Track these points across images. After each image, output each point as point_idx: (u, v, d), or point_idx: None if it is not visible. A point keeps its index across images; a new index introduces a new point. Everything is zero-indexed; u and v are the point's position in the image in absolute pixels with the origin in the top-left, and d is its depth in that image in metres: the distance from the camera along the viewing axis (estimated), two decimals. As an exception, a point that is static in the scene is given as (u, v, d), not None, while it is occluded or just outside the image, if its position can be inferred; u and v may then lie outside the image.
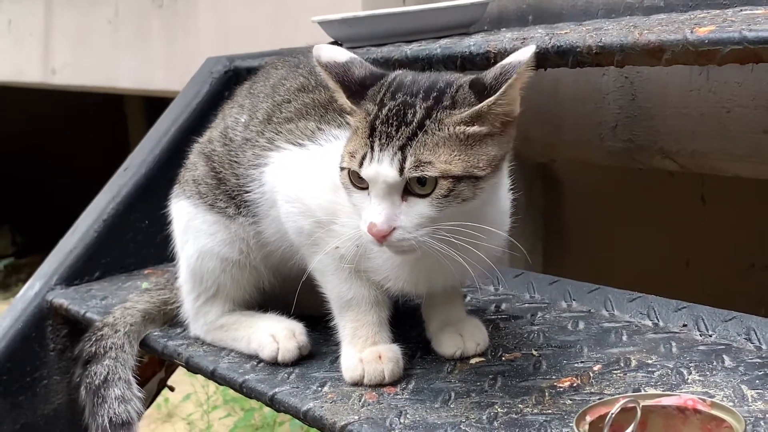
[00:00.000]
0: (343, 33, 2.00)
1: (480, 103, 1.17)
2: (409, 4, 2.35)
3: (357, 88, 1.25)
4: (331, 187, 1.31)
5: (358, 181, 1.20)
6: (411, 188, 1.17)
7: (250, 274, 1.52)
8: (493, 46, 1.59)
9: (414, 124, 1.17)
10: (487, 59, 1.60)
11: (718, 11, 1.56)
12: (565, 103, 2.05)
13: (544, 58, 1.51)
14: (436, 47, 1.71)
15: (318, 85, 1.45)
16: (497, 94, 1.16)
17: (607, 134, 1.98)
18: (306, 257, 1.40)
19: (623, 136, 1.95)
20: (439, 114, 1.18)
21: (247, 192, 1.46)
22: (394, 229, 1.16)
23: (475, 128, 1.18)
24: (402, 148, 1.16)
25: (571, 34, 1.51)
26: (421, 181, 1.16)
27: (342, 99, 1.25)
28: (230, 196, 1.49)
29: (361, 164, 1.18)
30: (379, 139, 1.17)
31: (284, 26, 2.98)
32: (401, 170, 1.15)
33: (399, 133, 1.17)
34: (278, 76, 1.54)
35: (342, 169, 1.22)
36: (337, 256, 1.33)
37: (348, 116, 1.25)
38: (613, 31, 1.45)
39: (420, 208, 1.17)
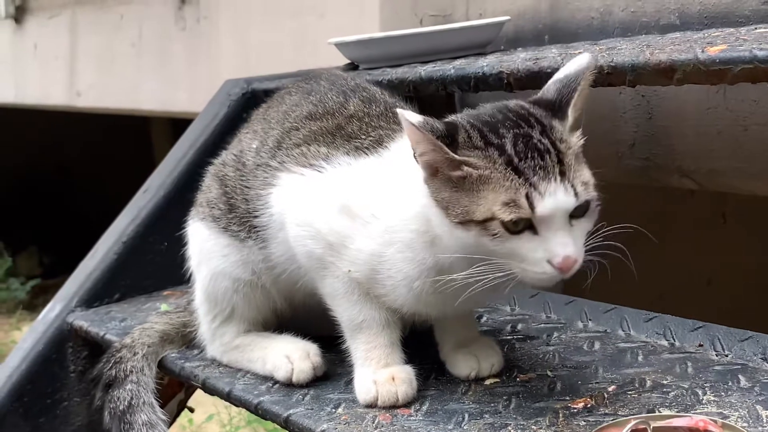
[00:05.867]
0: (359, 54, 2.01)
1: (566, 114, 1.20)
2: (426, 25, 2.36)
3: (449, 141, 1.17)
4: (343, 211, 1.32)
5: (512, 227, 1.15)
6: (573, 211, 1.16)
7: (262, 294, 1.52)
8: (507, 67, 1.59)
9: (552, 149, 1.16)
10: (500, 80, 1.60)
11: (732, 29, 1.56)
12: (582, 122, 2.04)
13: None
14: (450, 68, 1.71)
15: (325, 113, 1.45)
16: (576, 95, 1.20)
17: (625, 153, 1.97)
18: (315, 280, 1.40)
19: (641, 154, 1.95)
20: (555, 134, 1.18)
21: (255, 217, 1.46)
22: None
23: (578, 135, 1.20)
24: (562, 175, 1.15)
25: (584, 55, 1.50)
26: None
27: (449, 154, 1.16)
28: (241, 222, 1.49)
29: (531, 206, 1.13)
30: (536, 175, 1.14)
31: (305, 48, 3.00)
32: (576, 195, 1.14)
33: (548, 162, 1.15)
34: (291, 102, 1.54)
35: (484, 221, 1.15)
36: (347, 280, 1.34)
37: (449, 172, 1.17)
38: (625, 51, 1.45)
39: (584, 227, 1.18)
